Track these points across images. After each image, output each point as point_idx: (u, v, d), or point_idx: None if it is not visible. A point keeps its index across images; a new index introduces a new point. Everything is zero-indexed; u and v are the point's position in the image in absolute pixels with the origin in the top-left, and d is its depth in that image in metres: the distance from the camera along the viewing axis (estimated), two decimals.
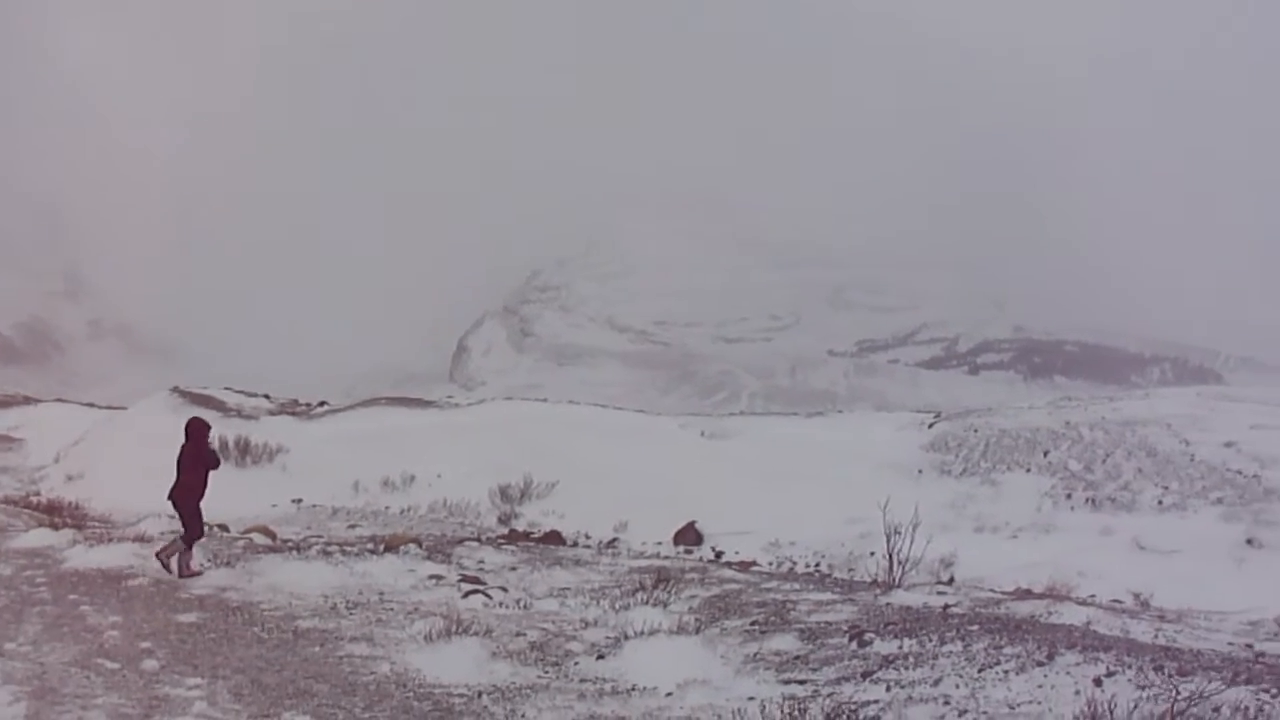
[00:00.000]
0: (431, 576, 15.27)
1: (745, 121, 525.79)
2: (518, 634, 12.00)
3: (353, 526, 25.89)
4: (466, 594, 14.03)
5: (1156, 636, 11.53)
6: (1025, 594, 15.29)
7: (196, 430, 16.06)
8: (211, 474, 15.98)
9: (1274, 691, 8.64)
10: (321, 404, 47.72)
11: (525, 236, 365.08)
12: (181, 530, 15.73)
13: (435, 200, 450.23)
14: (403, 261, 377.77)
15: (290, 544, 16.51)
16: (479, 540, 19.77)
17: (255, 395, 49.08)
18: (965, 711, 8.76)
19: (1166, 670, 9.29)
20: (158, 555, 15.37)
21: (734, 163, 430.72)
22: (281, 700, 9.16)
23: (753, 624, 12.39)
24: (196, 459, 15.82)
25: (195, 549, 15.72)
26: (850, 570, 19.63)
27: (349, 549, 16.67)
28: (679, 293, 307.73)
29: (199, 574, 15.17)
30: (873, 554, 17.17)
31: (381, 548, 16.97)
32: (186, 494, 15.65)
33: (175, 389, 46.24)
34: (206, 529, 16.38)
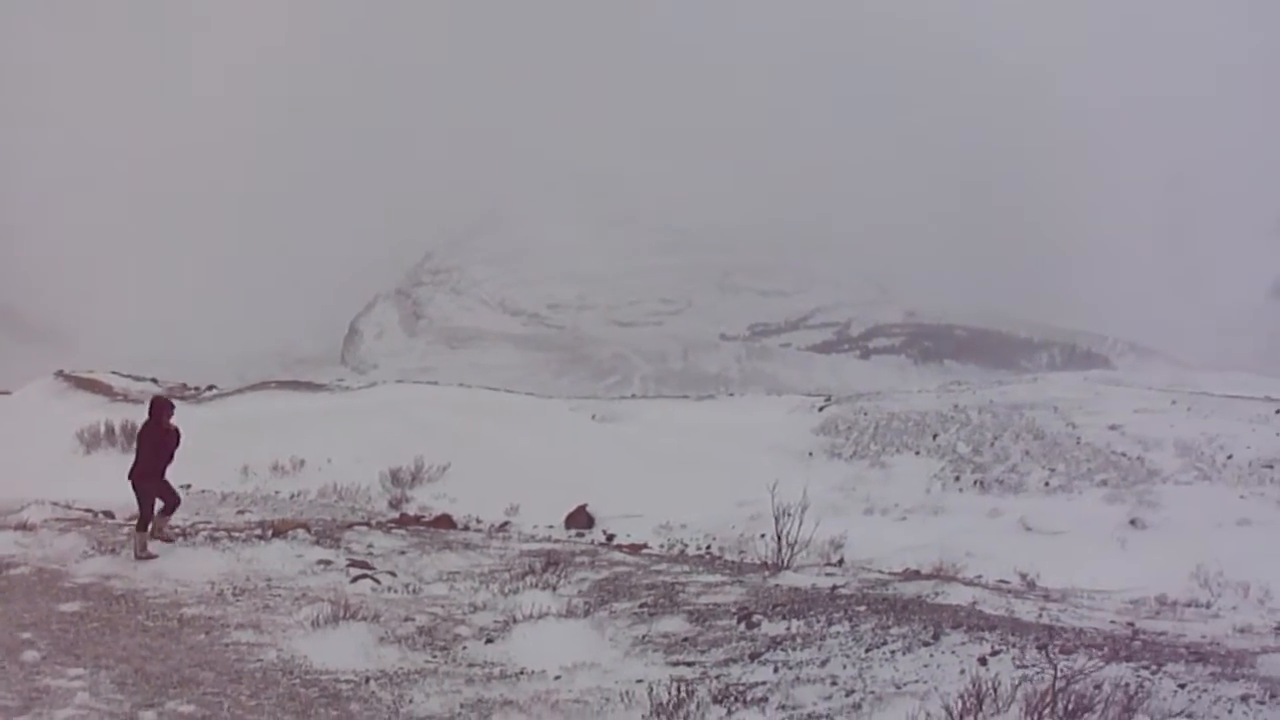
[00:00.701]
0: (320, 562, 15.10)
1: (641, 106, 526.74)
2: (406, 619, 11.92)
3: (241, 512, 25.56)
4: (355, 579, 13.89)
5: (1041, 616, 11.71)
6: (913, 575, 15.45)
7: (159, 409, 15.74)
8: (144, 456, 15.42)
9: (1153, 668, 8.81)
10: (210, 388, 47.12)
11: (419, 218, 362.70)
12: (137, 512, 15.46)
13: (328, 181, 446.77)
14: (295, 244, 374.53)
15: (177, 530, 16.24)
16: (369, 525, 19.60)
17: (143, 379, 48.41)
18: (852, 691, 8.83)
19: (1050, 649, 9.44)
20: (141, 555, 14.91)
21: (628, 146, 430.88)
22: (165, 689, 8.99)
23: (642, 606, 12.41)
24: (157, 438, 15.47)
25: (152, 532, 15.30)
26: (741, 552, 19.72)
27: (237, 535, 16.43)
28: (572, 276, 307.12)
29: (154, 557, 14.85)
30: (763, 536, 17.26)
31: (270, 533, 16.71)
32: (145, 475, 15.34)
33: (60, 373, 45.49)
34: (100, 515, 16.24)
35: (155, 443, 15.52)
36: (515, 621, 11.43)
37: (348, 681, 9.59)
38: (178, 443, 15.85)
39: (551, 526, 22.58)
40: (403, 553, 16.11)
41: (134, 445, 16.03)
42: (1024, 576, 17.37)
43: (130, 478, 15.45)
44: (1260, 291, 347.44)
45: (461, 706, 9.03)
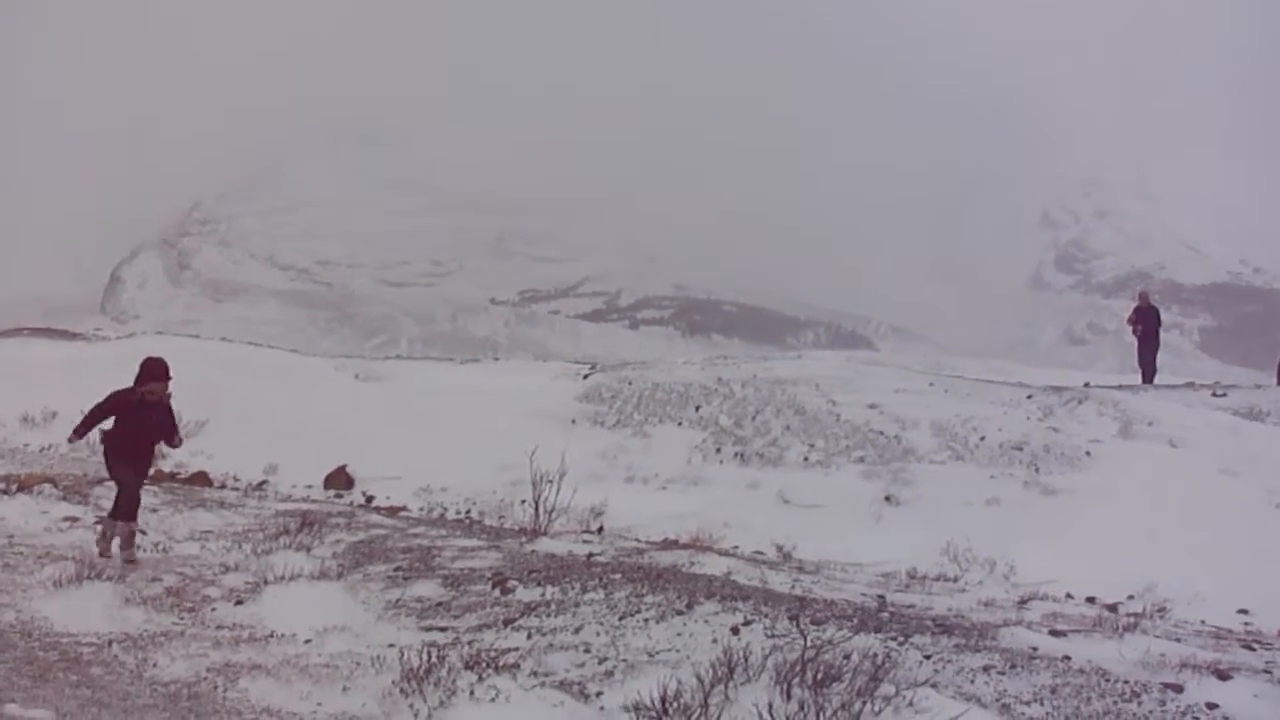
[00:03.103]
0: (66, 519, 14.60)
1: (420, 60, 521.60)
2: (154, 579, 11.60)
3: None
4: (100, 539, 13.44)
5: (793, 587, 11.91)
6: (671, 544, 15.56)
7: (152, 373, 13.15)
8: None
9: (900, 639, 9.03)
10: None
11: (189, 165, 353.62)
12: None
13: (92, 124, 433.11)
14: (56, 185, 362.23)
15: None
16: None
17: None
18: (605, 659, 8.88)
19: (801, 619, 9.60)
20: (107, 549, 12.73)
21: (408, 106, 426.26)
22: None
23: (397, 570, 12.29)
24: (142, 413, 12.98)
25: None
26: (501, 517, 19.65)
27: None
28: (344, 233, 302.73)
29: (137, 563, 12.54)
30: (524, 502, 17.18)
31: (14, 488, 16.08)
32: (127, 461, 12.98)
33: None
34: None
35: (140, 419, 12.95)
36: (266, 583, 11.20)
37: (89, 645, 9.29)
38: (173, 420, 13.41)
39: (310, 487, 22.16)
40: (154, 510, 15.63)
41: (123, 414, 13.02)
42: (780, 548, 17.61)
43: (108, 466, 13.27)
44: (1020, 282, 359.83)
45: (208, 670, 8.81)
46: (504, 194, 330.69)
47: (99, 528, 13.17)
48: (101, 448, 13.27)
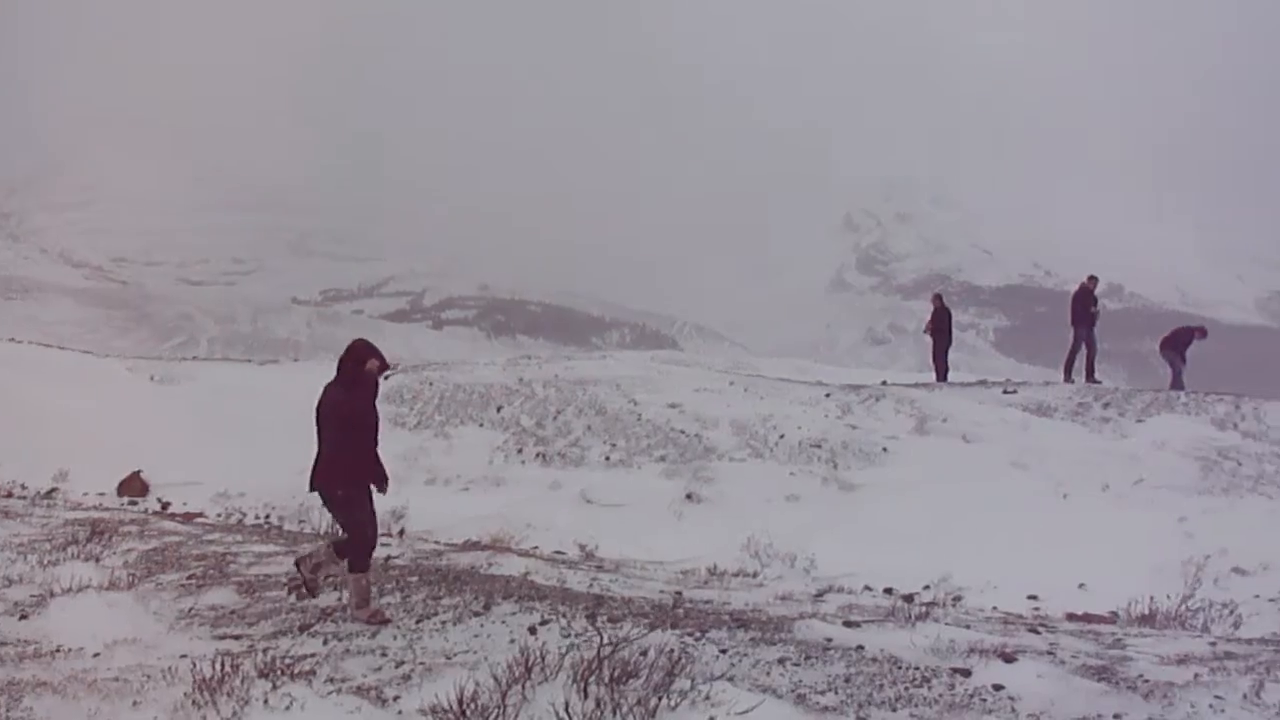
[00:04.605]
0: None
1: (228, 62, 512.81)
2: None
3: None
4: None
5: (592, 586, 11.95)
6: (471, 546, 15.50)
7: (361, 358, 10.47)
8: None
9: (697, 635, 9.08)
10: None
11: None
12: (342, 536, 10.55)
13: None
14: None
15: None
16: None
17: None
18: (403, 663, 8.80)
19: (598, 618, 9.62)
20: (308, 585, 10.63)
21: (209, 100, 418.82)
22: None
23: (190, 578, 12.02)
24: (358, 410, 10.43)
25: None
26: (301, 522, 19.39)
27: None
28: (140, 229, 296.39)
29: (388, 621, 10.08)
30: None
31: None
32: (345, 474, 10.31)
33: None
34: None
35: (356, 418, 10.37)
36: (53, 596, 10.84)
37: None
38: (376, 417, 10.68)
39: (103, 494, 21.58)
40: None
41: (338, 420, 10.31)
42: (583, 548, 17.65)
43: (318, 481, 10.38)
44: (823, 283, 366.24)
45: None
46: (307, 191, 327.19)
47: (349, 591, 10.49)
48: (311, 473, 10.44)
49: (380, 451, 10.34)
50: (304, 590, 10.53)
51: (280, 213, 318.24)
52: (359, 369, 10.27)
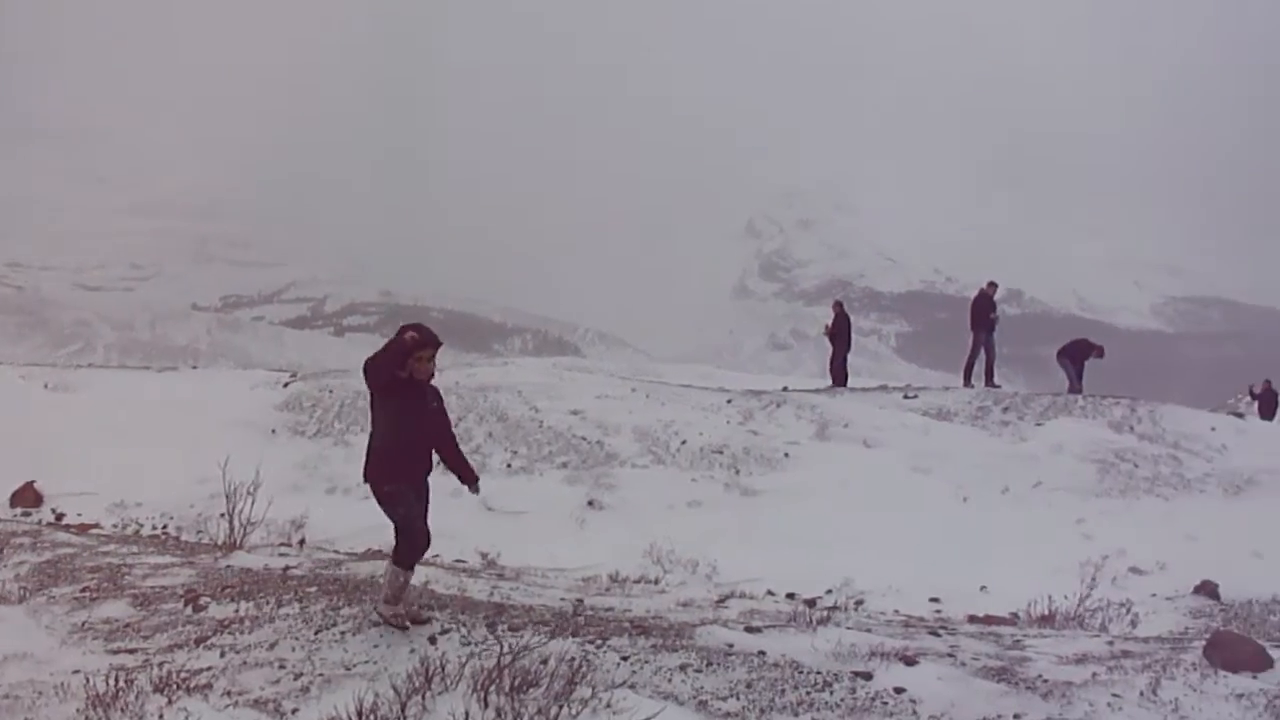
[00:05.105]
0: None
1: (120, 54, 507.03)
2: None
3: None
4: None
5: (492, 594, 11.88)
6: (371, 555, 15.34)
7: (417, 343, 9.47)
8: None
9: (598, 642, 9.05)
10: None
11: None
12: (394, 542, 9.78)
13: None
14: None
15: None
16: None
17: None
18: (301, 675, 8.69)
19: (498, 626, 9.57)
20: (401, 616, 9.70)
21: (107, 103, 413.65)
22: None
23: (84, 591, 11.76)
24: (416, 404, 9.68)
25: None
26: (200, 532, 19.08)
27: None
28: (35, 233, 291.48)
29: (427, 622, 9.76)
30: (223, 515, 16.70)
31: None
32: (402, 470, 9.68)
33: None
34: None
35: (413, 411, 9.64)
36: None
37: None
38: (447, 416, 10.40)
39: None
40: None
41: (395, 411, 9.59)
42: (485, 555, 17.54)
43: (367, 476, 9.75)
44: (725, 290, 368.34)
45: None
46: (207, 195, 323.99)
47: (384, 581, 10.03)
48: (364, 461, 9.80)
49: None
50: (404, 626, 9.60)
51: (180, 217, 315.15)
52: (398, 345, 9.32)
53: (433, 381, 9.89)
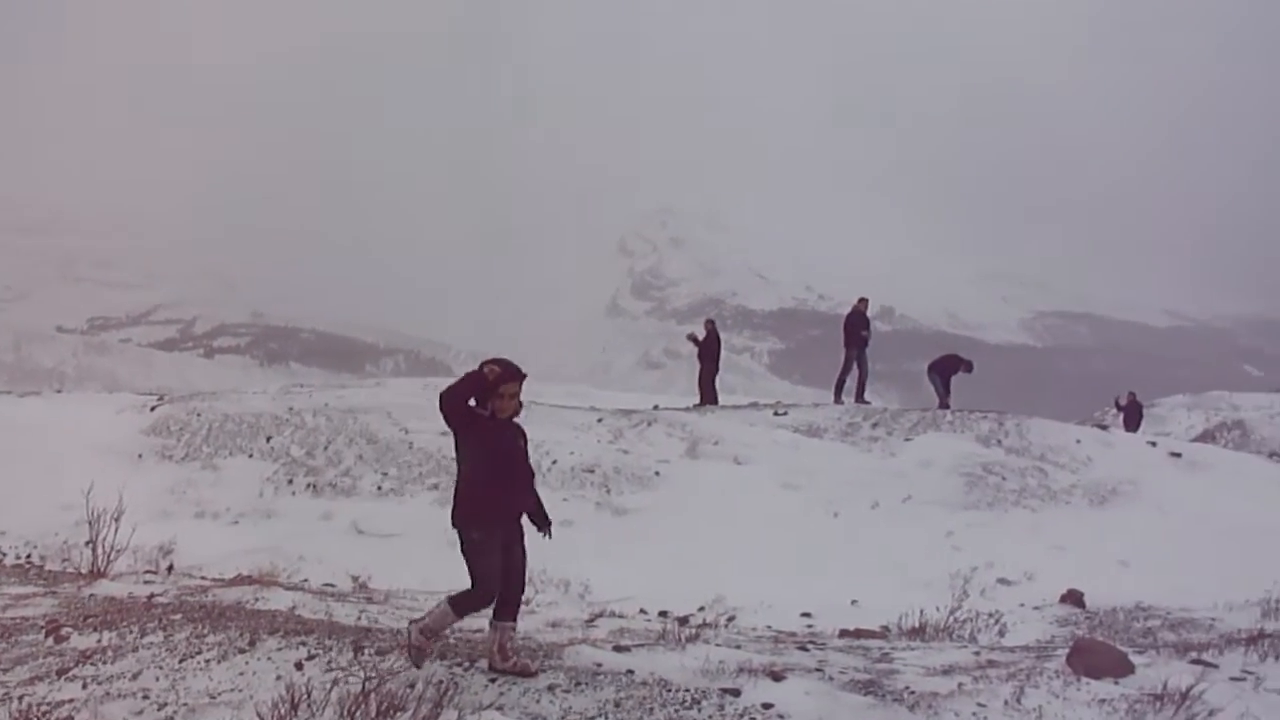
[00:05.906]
0: None
1: None
2: None
3: None
4: None
5: (360, 618, 11.79)
6: (238, 580, 15.14)
7: (504, 379, 8.97)
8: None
9: (466, 665, 9.27)
10: None
11: None
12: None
13: None
14: None
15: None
16: None
17: None
18: (165, 705, 8.55)
19: (365, 650, 9.50)
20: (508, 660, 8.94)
21: None
22: None
23: None
24: (506, 441, 9.10)
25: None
26: (65, 560, 18.70)
27: None
28: None
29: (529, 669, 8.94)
30: (88, 543, 16.39)
31: None
32: (495, 511, 8.96)
33: None
34: None
35: (502, 449, 9.05)
36: None
37: None
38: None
39: None
40: None
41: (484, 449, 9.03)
42: (355, 579, 17.40)
43: (455, 518, 9.08)
44: (598, 309, 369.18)
45: None
46: (73, 215, 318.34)
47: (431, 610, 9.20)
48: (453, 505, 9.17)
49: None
50: (411, 655, 9.03)
51: (45, 236, 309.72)
52: (475, 378, 8.90)
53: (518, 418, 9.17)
